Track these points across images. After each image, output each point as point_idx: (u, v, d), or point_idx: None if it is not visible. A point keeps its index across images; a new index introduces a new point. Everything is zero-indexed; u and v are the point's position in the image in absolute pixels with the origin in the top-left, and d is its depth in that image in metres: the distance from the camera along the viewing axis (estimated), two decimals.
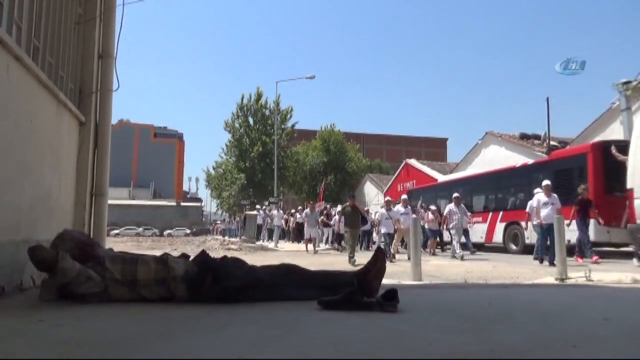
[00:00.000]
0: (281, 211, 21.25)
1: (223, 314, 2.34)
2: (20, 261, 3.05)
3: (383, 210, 12.01)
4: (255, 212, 22.50)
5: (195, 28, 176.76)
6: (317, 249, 14.69)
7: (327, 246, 17.62)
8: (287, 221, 21.19)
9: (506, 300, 3.24)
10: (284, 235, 21.84)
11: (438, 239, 14.04)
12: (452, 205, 12.19)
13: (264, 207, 24.45)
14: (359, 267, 2.87)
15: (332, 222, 17.29)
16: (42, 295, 2.63)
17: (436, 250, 13.93)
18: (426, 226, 13.29)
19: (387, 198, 13.18)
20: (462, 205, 12.43)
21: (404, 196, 13.37)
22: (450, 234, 12.07)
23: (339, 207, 16.61)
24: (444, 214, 12.37)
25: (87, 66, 4.51)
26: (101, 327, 2.02)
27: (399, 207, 12.05)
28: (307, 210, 15.56)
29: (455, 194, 12.49)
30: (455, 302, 3.15)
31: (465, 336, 1.88)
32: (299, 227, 19.62)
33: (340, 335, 1.90)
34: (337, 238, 16.79)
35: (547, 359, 1.58)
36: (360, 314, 2.33)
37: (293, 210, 22.27)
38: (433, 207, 13.81)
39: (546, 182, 9.62)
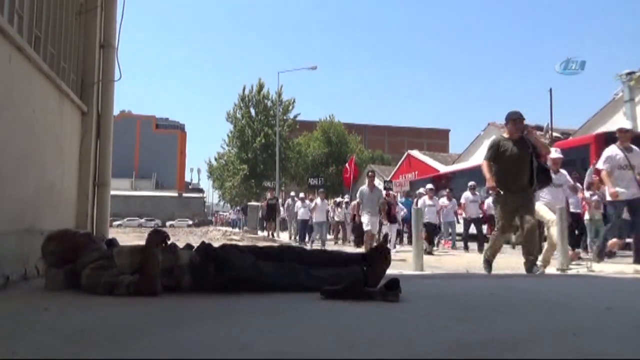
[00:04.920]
0: (326, 201, 14.89)
1: (227, 302, 2.36)
2: (24, 251, 3.07)
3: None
4: (256, 203, 22.34)
5: (196, 18, 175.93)
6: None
7: (399, 248, 11.79)
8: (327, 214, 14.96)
9: (508, 290, 3.25)
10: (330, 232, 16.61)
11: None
12: None
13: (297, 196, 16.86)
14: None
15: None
16: (47, 284, 2.65)
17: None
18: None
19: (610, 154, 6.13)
20: None
21: (557, 153, 6.70)
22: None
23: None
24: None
25: (88, 56, 4.50)
26: (107, 315, 2.03)
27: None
28: (364, 187, 9.60)
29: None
30: (457, 292, 3.16)
31: (467, 325, 1.89)
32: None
33: (342, 323, 1.91)
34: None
35: (547, 347, 1.59)
36: (362, 303, 2.34)
37: (339, 199, 16.95)
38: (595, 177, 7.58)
39: None
